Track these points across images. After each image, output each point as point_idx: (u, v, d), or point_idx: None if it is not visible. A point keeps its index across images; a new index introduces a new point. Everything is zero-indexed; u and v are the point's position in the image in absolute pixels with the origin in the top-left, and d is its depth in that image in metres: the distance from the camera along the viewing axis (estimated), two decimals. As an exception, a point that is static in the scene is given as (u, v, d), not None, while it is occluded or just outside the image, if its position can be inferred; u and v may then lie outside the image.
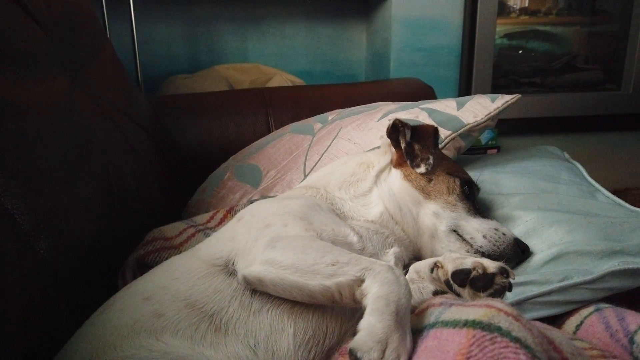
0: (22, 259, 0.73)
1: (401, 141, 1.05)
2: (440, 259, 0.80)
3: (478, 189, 1.10)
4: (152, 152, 1.45)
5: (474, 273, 0.74)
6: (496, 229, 0.97)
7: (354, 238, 0.84)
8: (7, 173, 0.77)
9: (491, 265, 0.74)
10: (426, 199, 1.01)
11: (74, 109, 1.08)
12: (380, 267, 0.65)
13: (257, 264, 0.70)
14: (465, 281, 0.74)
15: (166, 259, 0.96)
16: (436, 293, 0.80)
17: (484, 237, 0.96)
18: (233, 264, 0.76)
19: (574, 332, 0.91)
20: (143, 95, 1.72)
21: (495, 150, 2.66)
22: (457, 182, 1.03)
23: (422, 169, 1.02)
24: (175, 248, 1.00)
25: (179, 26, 2.69)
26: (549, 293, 0.95)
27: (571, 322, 0.94)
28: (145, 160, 1.36)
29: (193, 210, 1.35)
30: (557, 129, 2.93)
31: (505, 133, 2.78)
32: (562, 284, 0.95)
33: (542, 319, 0.94)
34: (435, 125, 1.15)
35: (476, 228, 0.97)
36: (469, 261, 0.75)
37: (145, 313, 0.68)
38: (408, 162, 1.04)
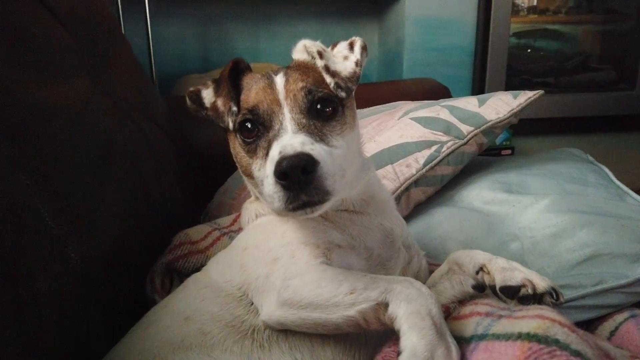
0: (55, 261, 0.73)
1: None
2: (487, 263, 0.78)
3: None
4: (172, 153, 1.43)
5: (523, 291, 0.72)
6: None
7: (354, 241, 0.79)
8: (36, 176, 0.75)
9: (541, 284, 0.72)
10: None
11: (96, 110, 1.06)
12: (400, 285, 0.63)
13: (275, 308, 0.68)
14: (514, 296, 0.73)
15: (194, 264, 0.96)
16: (475, 287, 0.78)
17: None
18: (249, 296, 0.74)
19: (609, 339, 0.89)
20: (160, 96, 1.70)
21: (509, 151, 2.63)
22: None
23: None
24: (202, 252, 0.99)
25: (191, 26, 2.69)
26: (584, 297, 0.93)
27: (604, 328, 0.92)
28: (166, 162, 1.35)
29: (214, 212, 1.34)
30: (570, 129, 2.90)
31: (519, 133, 2.75)
32: (596, 287, 0.93)
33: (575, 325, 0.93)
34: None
35: None
36: (518, 276, 0.73)
37: (191, 331, 0.69)
38: None
